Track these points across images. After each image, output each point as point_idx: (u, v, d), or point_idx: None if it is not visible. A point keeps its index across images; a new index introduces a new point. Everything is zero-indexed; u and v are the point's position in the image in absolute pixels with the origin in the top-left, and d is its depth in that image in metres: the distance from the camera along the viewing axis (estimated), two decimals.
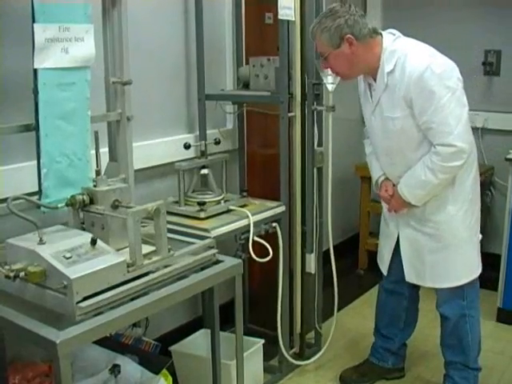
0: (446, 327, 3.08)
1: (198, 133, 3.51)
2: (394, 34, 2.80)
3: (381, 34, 2.79)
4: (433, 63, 2.63)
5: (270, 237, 3.12)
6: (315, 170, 3.40)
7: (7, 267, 2.01)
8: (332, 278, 3.43)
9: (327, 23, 2.71)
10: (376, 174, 3.07)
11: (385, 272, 3.19)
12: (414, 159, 2.80)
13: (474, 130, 2.82)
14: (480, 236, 3.02)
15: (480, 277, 2.99)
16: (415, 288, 3.18)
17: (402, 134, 2.77)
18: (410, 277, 3.02)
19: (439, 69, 2.63)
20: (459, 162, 2.68)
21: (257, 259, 2.97)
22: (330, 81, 3.12)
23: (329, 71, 2.99)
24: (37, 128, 2.36)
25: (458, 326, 3.02)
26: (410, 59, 2.67)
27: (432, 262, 2.92)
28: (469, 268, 2.95)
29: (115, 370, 2.53)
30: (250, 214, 3.00)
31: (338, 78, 3.07)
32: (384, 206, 3.08)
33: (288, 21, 3.10)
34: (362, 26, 2.71)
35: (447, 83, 2.63)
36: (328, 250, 3.43)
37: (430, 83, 2.62)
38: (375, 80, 2.81)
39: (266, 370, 3.38)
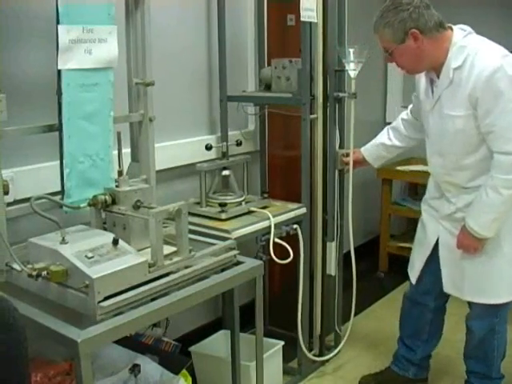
0: (471, 340, 2.99)
1: (219, 134, 3.51)
2: (465, 30, 2.66)
3: (451, 29, 2.65)
4: (506, 64, 2.49)
5: (291, 238, 3.12)
6: (337, 172, 3.40)
7: (30, 266, 2.03)
8: (352, 280, 3.42)
9: (390, 17, 2.57)
10: (371, 142, 3.22)
11: (414, 281, 3.07)
12: (466, 164, 2.68)
13: None
14: None
15: None
16: (442, 300, 3.07)
17: (461, 134, 2.64)
18: (448, 286, 2.90)
19: None
20: None
21: (277, 261, 2.96)
22: (352, 67, 3.07)
23: (351, 57, 2.96)
24: (60, 128, 2.38)
25: (486, 341, 2.92)
26: (482, 57, 2.53)
27: (472, 275, 2.79)
28: (511, 287, 2.81)
29: (135, 369, 2.54)
30: (270, 216, 3.00)
31: (360, 65, 3.03)
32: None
33: (310, 22, 3.09)
34: (428, 18, 2.56)
35: None
36: (348, 252, 3.42)
37: (500, 84, 2.47)
38: (438, 76, 2.69)
39: (286, 371, 3.38)
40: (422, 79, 2.84)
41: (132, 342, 2.72)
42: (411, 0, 2.56)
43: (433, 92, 2.75)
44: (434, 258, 2.93)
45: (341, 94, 3.30)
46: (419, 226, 3.07)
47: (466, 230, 2.70)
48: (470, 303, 2.94)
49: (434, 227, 2.93)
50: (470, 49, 2.58)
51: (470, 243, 2.72)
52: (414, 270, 3.06)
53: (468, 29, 2.68)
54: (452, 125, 2.66)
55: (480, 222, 2.65)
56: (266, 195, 3.27)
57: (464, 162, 2.70)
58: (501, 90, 2.48)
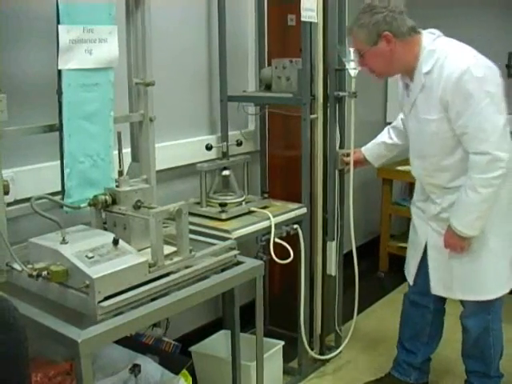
0: (467, 339, 3.00)
1: (219, 134, 3.51)
2: (434, 34, 2.71)
3: (421, 33, 2.70)
4: (473, 66, 2.53)
5: (291, 238, 3.12)
6: (337, 172, 3.40)
7: (30, 266, 2.04)
8: (352, 280, 3.42)
9: (365, 19, 2.64)
10: (372, 142, 3.25)
11: (411, 282, 3.09)
12: (445, 165, 2.72)
13: None
14: None
15: None
16: (441, 301, 3.08)
17: (437, 137, 2.69)
18: (436, 289, 2.92)
19: (480, 72, 2.53)
20: (497, 172, 2.54)
21: (278, 261, 2.96)
22: (352, 66, 3.07)
23: (351, 56, 2.97)
24: (60, 128, 2.38)
25: (481, 339, 2.94)
26: (450, 60, 2.58)
27: (461, 273, 2.82)
28: (500, 282, 2.83)
29: (135, 369, 2.54)
30: (271, 216, 3.00)
31: None
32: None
33: (311, 23, 3.09)
34: (401, 23, 2.63)
35: (487, 87, 2.53)
36: (348, 252, 3.42)
37: (468, 86, 2.52)
38: (412, 80, 2.73)
39: (286, 371, 3.39)
40: (399, 83, 2.90)
41: (132, 342, 2.72)
42: (386, 4, 2.64)
43: (408, 96, 2.80)
44: (426, 258, 2.95)
45: (341, 93, 3.30)
46: (411, 228, 3.10)
47: (451, 229, 2.73)
48: (462, 302, 2.97)
49: (423, 229, 2.96)
50: (439, 53, 2.63)
51: (457, 243, 2.75)
52: (410, 272, 3.08)
53: (437, 32, 2.73)
54: (428, 128, 2.71)
55: (463, 221, 2.69)
56: (266, 195, 3.28)
57: (443, 164, 2.74)
58: (470, 92, 2.53)
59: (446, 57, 2.60)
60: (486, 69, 2.58)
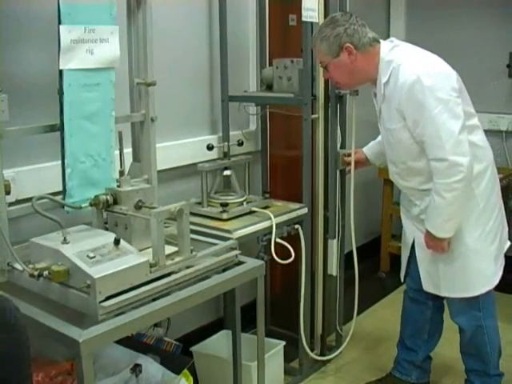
0: (463, 337, 3.03)
1: (221, 134, 3.52)
2: (392, 42, 2.77)
3: (380, 43, 2.75)
4: (423, 75, 2.56)
5: (292, 238, 3.12)
6: (338, 172, 3.40)
7: (31, 266, 2.04)
8: (354, 280, 3.42)
9: (326, 32, 2.71)
10: (372, 141, 3.29)
11: (401, 278, 3.17)
12: (416, 168, 2.76)
13: (498, 132, 2.77)
14: (508, 243, 2.96)
15: (502, 281, 2.92)
16: (439, 298, 3.07)
17: (401, 144, 2.74)
18: (426, 285, 2.96)
19: (429, 81, 2.56)
20: (457, 176, 2.56)
21: (279, 261, 2.96)
22: None
23: None
24: (62, 128, 2.37)
25: (476, 337, 2.96)
26: (402, 70, 2.62)
27: (446, 272, 2.86)
28: (484, 279, 2.86)
29: (136, 369, 2.54)
30: (272, 216, 2.99)
31: None
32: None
33: (312, 23, 3.09)
34: (362, 35, 2.69)
35: (438, 95, 2.55)
36: (349, 252, 3.42)
37: (419, 95, 2.56)
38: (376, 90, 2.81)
39: (287, 371, 3.39)
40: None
41: (133, 342, 2.72)
42: (348, 18, 2.72)
43: (377, 105, 2.87)
44: (415, 256, 3.00)
45: (342, 92, 3.30)
46: (403, 226, 3.14)
47: (428, 232, 2.77)
48: (447, 300, 3.00)
49: (410, 228, 3.01)
50: (394, 63, 2.68)
51: (435, 244, 2.79)
52: (402, 268, 3.15)
53: (395, 41, 2.79)
54: (392, 136, 2.78)
55: (434, 224, 2.73)
56: (267, 195, 3.27)
57: (414, 168, 2.79)
58: (421, 102, 2.57)
59: (400, 65, 2.65)
60: (438, 76, 2.61)
